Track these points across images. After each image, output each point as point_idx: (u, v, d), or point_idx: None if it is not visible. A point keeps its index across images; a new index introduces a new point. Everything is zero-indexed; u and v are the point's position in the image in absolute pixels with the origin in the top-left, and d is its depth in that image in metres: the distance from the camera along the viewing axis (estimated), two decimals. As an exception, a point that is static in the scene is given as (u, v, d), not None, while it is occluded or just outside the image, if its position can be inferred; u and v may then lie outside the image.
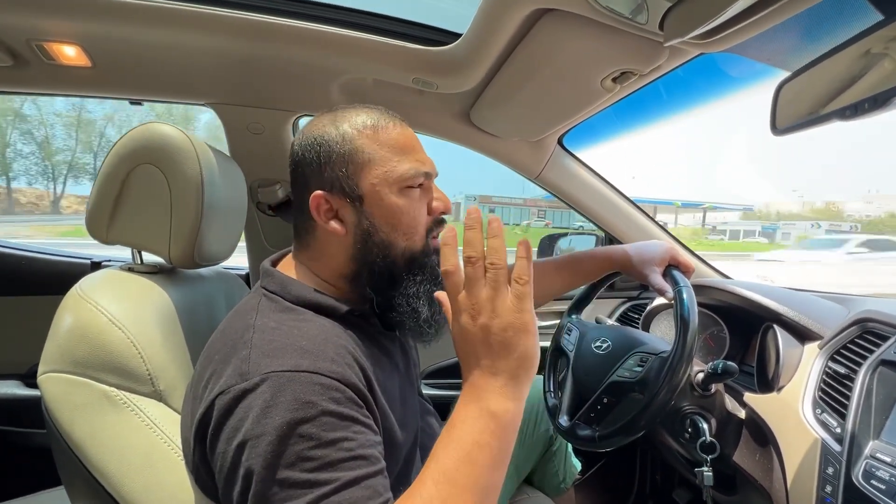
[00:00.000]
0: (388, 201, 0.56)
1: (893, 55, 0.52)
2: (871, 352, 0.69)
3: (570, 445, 1.11)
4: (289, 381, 0.44)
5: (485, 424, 0.44)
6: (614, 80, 0.79)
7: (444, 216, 0.62)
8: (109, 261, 1.30)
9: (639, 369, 0.75)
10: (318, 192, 0.56)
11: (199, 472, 0.50)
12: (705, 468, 0.72)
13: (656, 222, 1.36)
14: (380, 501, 0.42)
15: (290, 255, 0.63)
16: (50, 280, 1.26)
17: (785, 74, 0.63)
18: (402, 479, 0.59)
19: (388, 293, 0.58)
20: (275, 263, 0.63)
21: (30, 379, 1.22)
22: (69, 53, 0.89)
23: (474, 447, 0.43)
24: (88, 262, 1.29)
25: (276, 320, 0.52)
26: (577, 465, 1.14)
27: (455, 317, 0.48)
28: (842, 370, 0.71)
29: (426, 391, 1.35)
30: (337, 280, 0.60)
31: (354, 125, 0.57)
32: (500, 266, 0.45)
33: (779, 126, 0.63)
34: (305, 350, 0.47)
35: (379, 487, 0.44)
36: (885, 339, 0.69)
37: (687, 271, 0.85)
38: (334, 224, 0.56)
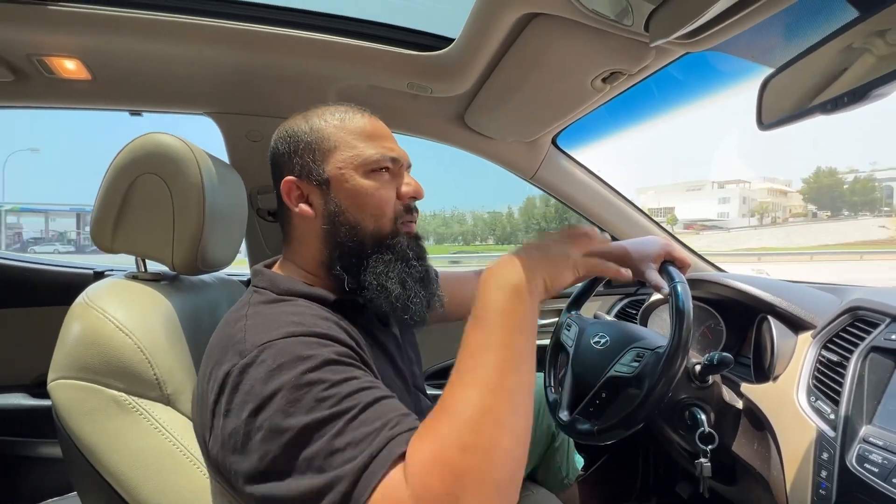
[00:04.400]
0: (353, 183, 0.59)
1: (874, 50, 0.54)
2: (862, 339, 0.70)
3: (572, 441, 1.12)
4: (286, 343, 0.46)
5: (510, 295, 0.47)
6: (604, 80, 0.80)
7: (415, 201, 0.64)
8: (112, 270, 1.31)
9: (635, 364, 0.76)
10: (289, 177, 0.60)
11: (217, 465, 0.50)
12: (704, 459, 0.74)
13: (651, 218, 1.37)
14: (405, 411, 0.44)
15: (280, 259, 0.65)
16: (54, 291, 1.28)
17: (769, 71, 0.64)
18: None
19: (357, 273, 0.59)
20: (268, 267, 0.65)
21: (36, 389, 1.23)
22: (69, 67, 0.91)
23: (500, 314, 0.46)
24: (91, 272, 1.30)
25: (268, 307, 0.54)
26: (580, 460, 1.15)
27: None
28: (834, 358, 0.72)
29: (430, 391, 1.36)
30: (318, 269, 0.61)
31: (323, 118, 0.61)
32: (595, 233, 0.60)
33: (764, 121, 0.64)
34: (299, 322, 0.49)
35: (398, 403, 0.45)
36: (875, 325, 0.70)
37: (682, 267, 0.86)
38: (304, 206, 0.59)
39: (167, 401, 0.61)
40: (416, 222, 0.65)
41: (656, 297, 1.18)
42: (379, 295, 0.58)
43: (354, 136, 0.60)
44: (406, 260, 0.61)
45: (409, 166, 0.64)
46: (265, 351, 0.45)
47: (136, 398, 0.59)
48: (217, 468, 0.51)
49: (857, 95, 0.50)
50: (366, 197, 0.59)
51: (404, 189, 0.62)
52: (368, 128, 0.61)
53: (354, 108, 0.63)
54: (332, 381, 0.43)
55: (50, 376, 0.60)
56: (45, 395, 0.60)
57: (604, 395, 0.78)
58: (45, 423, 0.62)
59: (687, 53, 0.74)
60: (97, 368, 0.58)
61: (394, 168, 0.62)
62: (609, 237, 1.41)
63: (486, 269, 0.50)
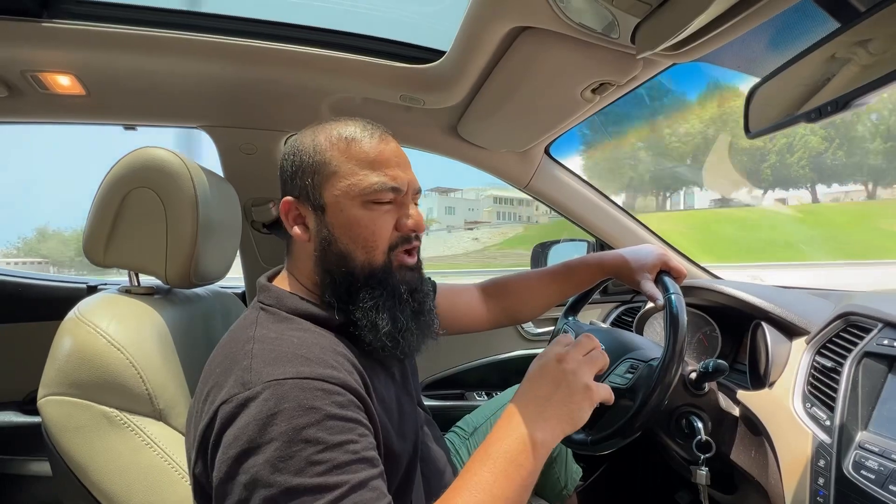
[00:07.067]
0: (347, 213, 0.57)
1: (857, 59, 0.55)
2: (855, 344, 0.70)
3: (570, 451, 1.12)
4: (291, 388, 0.45)
5: (524, 447, 0.50)
6: (593, 91, 0.81)
7: (414, 234, 0.61)
8: (105, 284, 1.31)
9: (629, 376, 0.75)
10: (288, 197, 0.59)
11: (199, 485, 0.51)
12: (701, 467, 0.73)
13: (646, 227, 1.38)
14: (385, 502, 0.45)
15: (283, 271, 0.65)
16: (46, 306, 1.27)
17: (755, 80, 0.66)
18: (402, 490, 0.59)
19: (347, 306, 0.57)
20: (270, 279, 0.64)
21: (28, 406, 1.21)
22: (63, 83, 0.91)
23: (511, 465, 0.49)
24: (84, 286, 1.29)
25: (276, 331, 0.53)
26: (579, 470, 1.14)
27: (547, 352, 0.58)
28: (828, 364, 0.72)
29: (426, 402, 1.35)
30: (315, 287, 0.61)
31: (329, 137, 0.58)
32: (604, 359, 0.60)
33: (752, 129, 0.65)
34: (306, 358, 0.49)
35: (382, 488, 0.46)
36: (867, 331, 0.70)
37: (678, 277, 0.86)
38: (297, 230, 0.59)
39: (159, 416, 0.61)
40: (415, 252, 0.63)
41: (651, 304, 1.18)
42: (369, 332, 0.57)
43: (357, 163, 0.57)
44: (397, 295, 0.59)
45: (417, 192, 0.62)
46: (269, 389, 0.45)
47: (127, 414, 0.59)
48: (202, 489, 0.50)
49: (840, 104, 0.51)
50: (358, 228, 0.57)
51: (405, 221, 0.60)
52: (373, 153, 0.57)
53: (367, 127, 0.60)
54: (329, 443, 0.43)
55: (40, 392, 0.59)
56: (37, 412, 0.60)
57: (598, 405, 0.78)
58: (37, 440, 0.61)
59: (674, 64, 0.75)
60: (88, 384, 0.58)
61: (397, 198, 0.59)
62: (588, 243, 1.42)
63: (511, 406, 0.54)
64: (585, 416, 0.55)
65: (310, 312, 0.57)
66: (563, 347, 0.58)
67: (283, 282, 0.63)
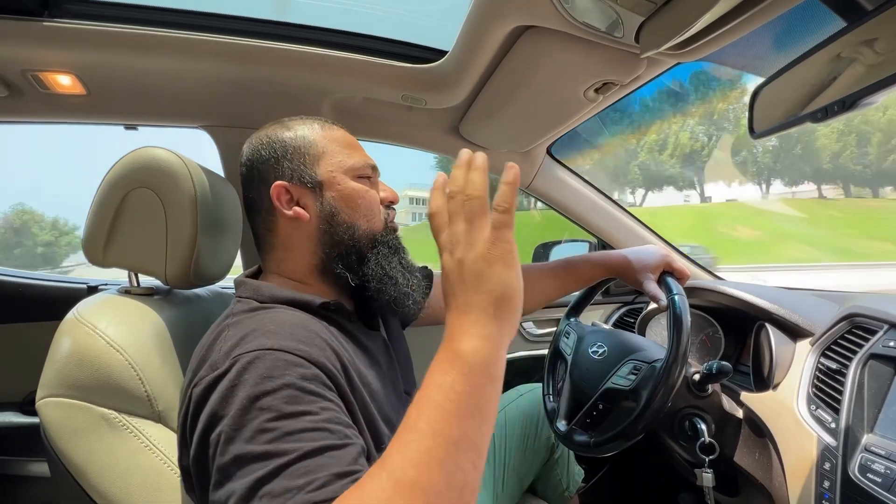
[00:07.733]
0: (345, 185, 0.61)
1: (862, 59, 0.54)
2: (861, 346, 0.69)
3: (572, 452, 1.11)
4: (253, 359, 0.45)
5: (449, 365, 0.39)
6: (596, 90, 0.81)
7: (392, 205, 0.68)
8: (106, 285, 1.30)
9: (632, 377, 0.75)
10: (279, 182, 0.59)
11: (188, 476, 0.50)
12: (706, 469, 0.73)
13: (649, 228, 1.37)
14: (345, 470, 0.39)
15: (262, 272, 0.66)
16: (46, 306, 1.26)
17: (760, 80, 0.65)
18: None
19: (361, 268, 0.62)
20: (250, 277, 0.65)
21: (27, 406, 1.21)
22: (64, 82, 0.91)
23: (436, 390, 0.38)
24: (85, 286, 1.29)
25: (249, 316, 0.53)
26: (581, 472, 1.13)
27: (440, 259, 0.45)
28: (833, 365, 0.72)
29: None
30: (308, 275, 0.62)
31: (304, 125, 0.63)
32: (475, 196, 0.42)
33: (756, 130, 0.65)
34: (273, 332, 0.49)
35: (345, 458, 0.40)
36: (873, 333, 0.70)
37: (682, 278, 0.86)
38: (298, 209, 0.60)
39: (158, 418, 0.60)
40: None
41: (654, 305, 1.17)
42: (386, 284, 0.61)
43: (338, 145, 0.63)
44: (399, 252, 0.64)
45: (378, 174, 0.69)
46: (235, 365, 0.45)
47: (126, 416, 0.58)
48: (190, 480, 0.50)
49: (847, 104, 0.50)
50: (359, 199, 0.62)
51: (383, 195, 0.66)
52: (346, 139, 0.64)
53: (328, 119, 0.66)
54: (282, 412, 0.41)
55: (38, 394, 0.59)
56: (37, 413, 0.59)
57: (600, 406, 0.77)
58: (36, 441, 0.60)
59: (678, 63, 0.74)
60: (87, 386, 0.58)
61: (373, 176, 0.65)
62: (591, 243, 1.41)
63: (445, 332, 0.43)
64: (510, 276, 0.41)
65: (286, 298, 0.57)
66: (444, 237, 0.44)
67: (264, 279, 0.64)
